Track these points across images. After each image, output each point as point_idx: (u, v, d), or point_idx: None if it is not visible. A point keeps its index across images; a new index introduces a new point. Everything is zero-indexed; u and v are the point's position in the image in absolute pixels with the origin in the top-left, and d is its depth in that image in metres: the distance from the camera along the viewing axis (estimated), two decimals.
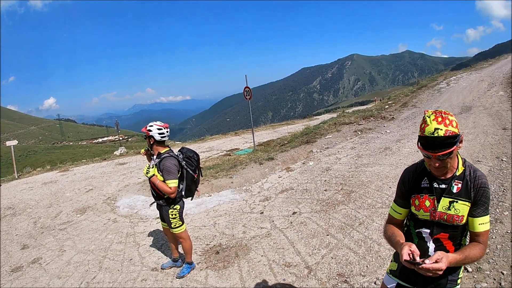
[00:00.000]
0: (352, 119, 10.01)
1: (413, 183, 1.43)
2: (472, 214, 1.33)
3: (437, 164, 1.25)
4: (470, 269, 2.95)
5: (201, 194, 5.25)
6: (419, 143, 1.27)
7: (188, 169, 2.90)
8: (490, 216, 3.47)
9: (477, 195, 1.31)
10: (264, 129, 15.40)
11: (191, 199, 3.12)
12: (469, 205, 1.32)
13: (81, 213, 5.48)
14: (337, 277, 2.92)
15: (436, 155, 1.21)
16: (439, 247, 1.37)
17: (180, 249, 3.30)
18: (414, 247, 1.24)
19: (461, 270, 1.47)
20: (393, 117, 9.62)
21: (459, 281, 1.46)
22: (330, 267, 3.09)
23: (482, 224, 1.32)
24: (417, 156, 6.44)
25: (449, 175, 1.35)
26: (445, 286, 1.44)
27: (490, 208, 3.66)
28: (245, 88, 8.63)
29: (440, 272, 1.17)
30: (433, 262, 1.18)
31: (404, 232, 1.50)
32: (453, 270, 1.42)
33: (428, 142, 1.22)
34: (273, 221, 4.18)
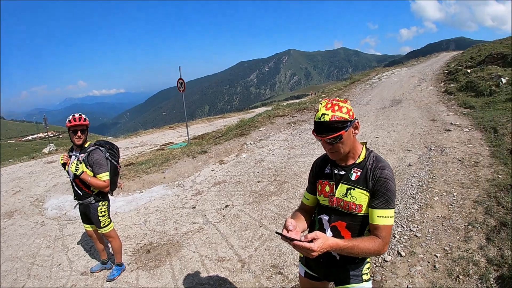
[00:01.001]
0: (286, 112, 13.04)
1: (319, 169, 1.94)
2: (371, 205, 1.71)
3: (328, 148, 1.72)
4: (403, 254, 3.93)
5: (133, 191, 6.57)
6: (313, 130, 1.73)
7: (113, 161, 3.61)
8: (419, 203, 4.61)
9: (376, 185, 1.69)
10: (199, 122, 18.59)
11: (112, 194, 3.84)
12: (368, 194, 1.71)
13: (8, 217, 6.33)
14: (271, 269, 3.74)
15: (323, 139, 1.68)
16: (337, 236, 1.76)
17: (109, 250, 4.09)
18: (293, 222, 1.57)
19: (366, 266, 1.88)
20: None
21: (365, 277, 1.88)
22: (263, 259, 3.96)
23: (381, 217, 1.67)
24: None
25: (350, 162, 1.80)
26: (348, 282, 1.86)
27: (417, 195, 5.06)
28: (179, 80, 10.75)
29: (313, 254, 1.46)
30: (308, 241, 1.47)
31: (312, 218, 1.99)
32: (354, 264, 1.84)
33: (316, 127, 1.69)
34: (205, 215, 5.25)
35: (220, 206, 5.52)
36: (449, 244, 3.95)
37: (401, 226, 4.53)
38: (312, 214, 2.01)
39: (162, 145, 12.25)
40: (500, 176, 5.26)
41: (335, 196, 1.79)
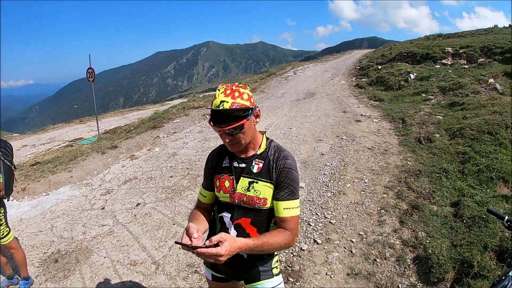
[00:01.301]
0: (201, 103, 13.34)
1: (215, 163, 1.89)
2: (276, 197, 1.72)
3: (227, 140, 1.64)
4: (319, 241, 4.04)
5: (38, 194, 6.40)
6: (209, 120, 1.65)
7: (6, 161, 3.40)
8: (333, 190, 4.78)
9: (280, 176, 1.71)
10: (112, 115, 18.18)
11: (8, 200, 3.60)
12: (272, 187, 1.72)
13: None
14: (187, 268, 3.83)
15: (223, 130, 1.59)
16: (241, 234, 1.73)
17: (15, 263, 3.84)
18: (194, 226, 1.52)
19: (275, 260, 1.91)
20: None
21: (275, 271, 1.90)
22: (178, 258, 4.01)
23: (287, 208, 1.70)
24: None
25: (250, 154, 1.78)
26: (259, 278, 1.86)
27: (330, 183, 5.23)
28: (88, 69, 10.73)
29: (221, 259, 1.42)
30: (214, 245, 1.42)
31: (211, 217, 1.95)
32: (262, 260, 1.85)
33: (215, 116, 1.60)
34: (115, 216, 5.21)
35: (131, 205, 5.50)
36: (363, 229, 4.14)
37: (316, 213, 4.63)
38: (211, 212, 1.97)
39: (71, 141, 12.01)
40: (409, 163, 5.77)
41: (237, 191, 1.75)
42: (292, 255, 3.85)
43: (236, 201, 1.76)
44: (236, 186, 1.75)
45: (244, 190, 1.73)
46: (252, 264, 1.84)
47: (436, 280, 3.16)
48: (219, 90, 1.63)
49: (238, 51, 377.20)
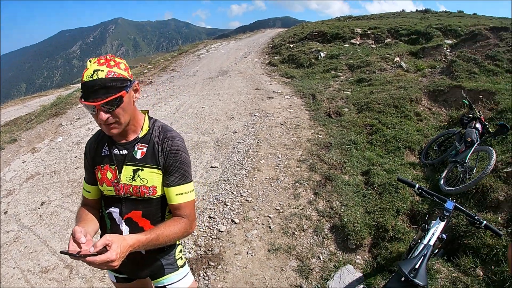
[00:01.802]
0: None
1: (94, 152, 1.66)
2: (166, 183, 1.57)
3: (104, 118, 1.40)
4: (237, 220, 3.92)
5: None
6: (81, 98, 1.41)
7: None
8: (247, 167, 4.68)
9: (167, 160, 1.55)
10: (12, 104, 16.34)
11: None
12: (160, 172, 1.57)
13: None
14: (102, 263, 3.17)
15: (99, 104, 1.36)
16: (134, 229, 1.59)
17: None
18: (81, 230, 1.32)
19: (177, 250, 1.81)
20: (151, 81, 12.57)
21: (180, 262, 1.81)
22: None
23: (180, 194, 1.57)
24: (173, 118, 7.46)
25: (131, 138, 1.59)
26: (163, 273, 1.76)
27: (244, 160, 5.10)
28: None
29: (114, 264, 1.24)
30: (101, 251, 1.23)
31: (100, 214, 1.75)
32: (163, 253, 1.73)
33: (88, 89, 1.37)
34: (19, 219, 4.79)
35: (36, 205, 5.04)
36: (280, 204, 4.10)
37: (232, 193, 4.50)
38: (100, 208, 1.77)
39: None
40: (320, 136, 5.91)
41: (121, 182, 1.57)
42: (210, 238, 3.69)
43: (122, 193, 1.58)
44: (120, 177, 1.57)
45: (129, 180, 1.56)
46: (153, 259, 1.72)
47: (354, 246, 3.25)
48: (90, 61, 1.42)
49: (149, 28, 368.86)
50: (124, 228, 1.61)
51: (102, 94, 1.35)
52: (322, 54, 12.39)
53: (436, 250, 2.29)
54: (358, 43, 13.63)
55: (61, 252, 1.22)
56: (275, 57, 14.42)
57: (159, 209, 1.63)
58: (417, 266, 1.90)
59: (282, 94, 8.95)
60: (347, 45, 13.39)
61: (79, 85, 19.29)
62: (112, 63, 1.41)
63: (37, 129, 8.44)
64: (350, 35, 14.18)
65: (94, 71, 1.36)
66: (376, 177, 4.16)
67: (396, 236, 3.17)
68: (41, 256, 3.90)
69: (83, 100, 1.38)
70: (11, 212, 4.95)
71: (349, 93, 8.12)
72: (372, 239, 3.30)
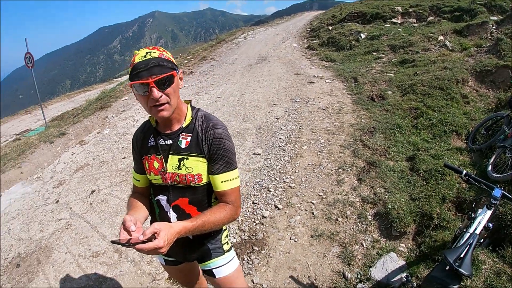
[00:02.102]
0: None
1: (141, 143, 1.74)
2: (211, 171, 1.61)
3: (157, 96, 1.43)
4: (280, 206, 3.97)
5: None
6: (132, 80, 1.45)
7: None
8: (289, 153, 4.72)
9: (211, 148, 1.58)
10: (59, 100, 17.16)
11: None
12: (205, 161, 1.60)
13: None
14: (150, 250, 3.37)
15: (153, 81, 1.41)
16: (182, 215, 1.65)
17: None
18: (131, 218, 1.38)
19: (224, 235, 1.86)
20: (192, 71, 12.76)
21: (226, 247, 1.86)
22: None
23: (225, 181, 1.60)
24: (215, 107, 7.59)
25: (175, 128, 1.63)
26: (210, 257, 1.82)
27: (286, 147, 5.14)
28: (26, 54, 9.96)
29: (162, 250, 1.31)
30: (150, 239, 1.30)
31: (150, 201, 1.82)
32: (210, 237, 1.79)
33: (142, 68, 1.42)
34: (71, 208, 5.01)
35: (86, 194, 5.30)
36: (323, 190, 4.11)
37: (275, 179, 4.54)
38: (149, 195, 1.84)
39: (18, 134, 11.21)
40: (363, 121, 5.79)
41: (168, 171, 1.62)
42: (254, 224, 3.76)
43: (169, 181, 1.63)
44: (166, 166, 1.61)
45: (175, 168, 1.60)
46: (200, 243, 1.77)
47: (398, 234, 3.20)
48: (137, 50, 1.49)
49: (186, 19, 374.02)
50: (172, 215, 1.66)
51: (156, 71, 1.41)
52: (363, 36, 12.00)
53: (482, 240, 2.23)
54: (399, 22, 13.03)
55: (112, 242, 1.29)
56: (314, 41, 14.14)
57: (206, 196, 1.68)
58: (462, 255, 1.86)
59: (322, 78, 8.82)
60: (388, 25, 12.84)
61: (121, 79, 20.08)
62: (160, 49, 1.50)
63: (84, 123, 8.85)
64: (391, 14, 13.55)
65: (147, 52, 1.44)
66: (422, 163, 4.03)
67: (441, 224, 3.07)
68: (92, 242, 4.10)
69: (136, 80, 1.43)
70: (62, 201, 5.23)
71: (392, 75, 7.85)
72: (417, 227, 3.22)
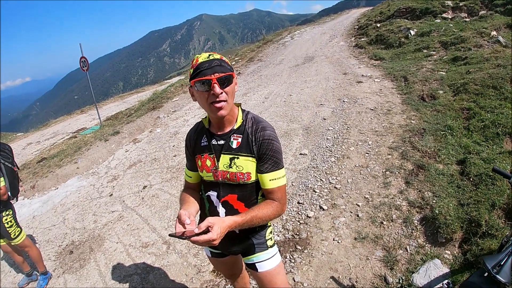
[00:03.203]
0: None
1: (194, 143, 1.85)
2: (260, 170, 1.70)
3: (219, 91, 1.53)
4: (325, 207, 3.99)
5: (48, 189, 6.55)
6: (194, 78, 1.56)
7: (7, 163, 3.51)
8: (336, 155, 4.72)
9: (260, 148, 1.67)
10: (112, 101, 18.17)
11: (16, 200, 3.80)
12: (254, 160, 1.70)
13: None
14: (196, 245, 3.77)
15: (216, 78, 1.52)
16: (230, 210, 1.76)
17: (31, 260, 3.99)
18: (185, 213, 1.55)
19: (268, 231, 1.94)
20: (239, 72, 13.00)
21: (269, 242, 1.93)
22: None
23: (273, 180, 1.70)
24: (262, 107, 7.70)
25: (227, 129, 1.73)
26: (254, 251, 1.90)
27: (333, 147, 5.19)
28: (81, 58, 10.60)
29: (215, 242, 1.42)
30: (203, 232, 1.42)
31: (201, 195, 1.94)
32: (255, 233, 1.87)
33: (205, 67, 1.54)
34: (123, 201, 5.35)
35: (138, 189, 5.62)
36: (369, 192, 4.07)
37: (320, 180, 4.56)
38: (200, 190, 1.96)
39: (74, 132, 12.14)
40: (413, 122, 5.61)
41: (219, 169, 1.73)
42: (299, 223, 3.82)
43: (220, 179, 1.74)
44: (218, 164, 1.72)
45: (226, 167, 1.71)
46: (245, 237, 1.86)
47: (444, 240, 3.10)
48: (198, 55, 1.62)
49: (232, 21, 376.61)
50: (221, 209, 1.77)
51: (218, 70, 1.53)
52: (412, 32, 11.51)
53: None
54: (450, 17, 12.31)
55: (170, 235, 1.43)
56: (362, 39, 13.80)
57: (253, 193, 1.77)
58: (502, 263, 1.82)
59: (371, 77, 8.64)
60: (439, 20, 12.18)
61: (172, 80, 20.81)
62: (219, 54, 1.62)
63: (137, 122, 9.31)
64: (441, 9, 12.82)
65: (209, 55, 1.58)
66: (473, 167, 3.85)
67: (489, 232, 2.92)
68: (142, 233, 4.34)
69: (200, 77, 1.54)
70: (116, 195, 5.59)
71: (443, 73, 7.49)
72: (464, 233, 3.09)
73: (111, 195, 5.63)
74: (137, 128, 8.93)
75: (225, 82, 1.55)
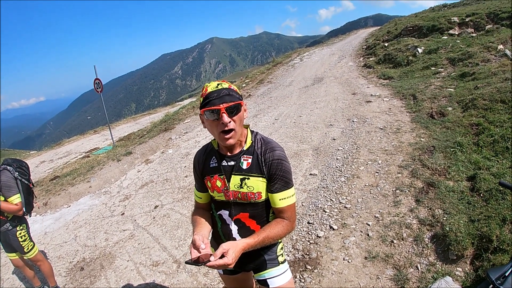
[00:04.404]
0: None
1: (203, 165, 1.90)
2: (270, 190, 1.76)
3: (227, 120, 1.59)
4: (335, 227, 4.02)
5: (60, 206, 6.68)
6: (203, 108, 1.63)
7: (23, 180, 3.64)
8: (346, 174, 4.76)
9: (271, 169, 1.73)
10: (125, 122, 18.85)
11: (30, 216, 3.91)
12: (264, 180, 1.75)
13: None
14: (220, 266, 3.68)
15: (225, 107, 1.58)
16: (242, 228, 1.82)
17: (42, 275, 4.12)
18: (199, 238, 1.63)
19: (279, 247, 1.98)
20: (250, 94, 13.27)
21: (280, 258, 1.97)
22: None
23: (283, 199, 1.75)
24: (272, 128, 7.82)
25: (237, 151, 1.78)
26: (265, 267, 1.94)
27: (343, 167, 5.27)
28: (95, 80, 10.94)
29: (231, 266, 1.53)
30: (220, 257, 1.51)
31: (211, 217, 1.98)
32: (266, 249, 1.92)
33: (214, 96, 1.60)
34: (135, 220, 5.44)
35: (149, 208, 5.71)
36: (379, 211, 4.09)
37: (330, 200, 4.60)
38: (210, 209, 2.01)
39: (87, 152, 12.59)
40: (422, 139, 5.64)
41: (230, 189, 1.77)
42: (309, 243, 3.84)
43: (232, 198, 1.79)
44: (229, 185, 1.76)
45: (237, 187, 1.75)
46: (257, 254, 1.90)
47: (455, 257, 3.09)
48: (207, 84, 1.68)
49: (242, 44, 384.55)
50: (233, 227, 1.82)
51: (227, 99, 1.59)
52: (420, 50, 11.66)
53: None
54: (457, 33, 12.42)
55: (186, 263, 1.50)
56: (370, 58, 13.98)
57: (264, 211, 1.83)
58: (507, 274, 1.84)
59: (380, 97, 8.72)
60: (446, 37, 12.31)
61: (183, 102, 21.17)
62: (228, 83, 1.69)
63: (149, 143, 9.48)
64: (447, 26, 12.97)
65: (218, 84, 1.64)
66: (483, 183, 3.84)
67: (501, 247, 2.89)
68: (153, 252, 4.40)
69: (209, 106, 1.60)
70: (127, 214, 5.68)
71: (452, 90, 7.53)
72: (475, 250, 3.07)
73: (123, 214, 5.74)
74: (149, 149, 9.11)
75: (234, 110, 1.61)
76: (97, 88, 11.02)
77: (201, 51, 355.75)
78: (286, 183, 1.75)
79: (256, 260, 1.92)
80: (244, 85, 15.87)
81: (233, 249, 1.53)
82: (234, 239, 1.77)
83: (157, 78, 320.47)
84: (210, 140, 1.92)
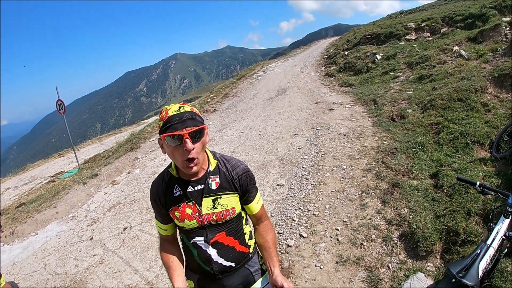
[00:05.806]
0: None
1: (164, 197, 1.76)
2: (247, 200, 1.82)
3: (191, 147, 1.51)
4: (305, 235, 4.02)
5: (27, 235, 6.47)
6: (164, 133, 1.52)
7: None
8: (313, 182, 4.83)
9: (242, 183, 1.76)
10: (90, 143, 18.40)
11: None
12: (237, 195, 1.76)
13: None
14: None
15: (188, 132, 1.49)
16: (221, 249, 1.76)
17: None
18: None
19: (259, 256, 1.97)
20: (215, 109, 13.29)
21: (264, 266, 1.95)
22: None
23: (258, 202, 1.85)
24: (239, 142, 7.79)
25: (201, 174, 1.71)
26: (254, 279, 1.91)
27: (309, 175, 5.36)
28: (58, 101, 10.64)
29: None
30: None
31: (182, 246, 1.89)
32: (249, 260, 1.90)
33: (176, 120, 1.50)
34: (104, 244, 5.35)
35: (118, 231, 5.65)
36: (347, 215, 4.13)
37: (299, 208, 4.61)
38: (176, 239, 1.94)
39: (52, 176, 12.16)
40: (384, 142, 5.81)
41: (203, 213, 1.70)
42: (280, 253, 3.82)
43: (206, 222, 1.71)
44: (201, 209, 1.69)
45: (210, 209, 1.69)
46: (243, 270, 1.87)
47: (425, 253, 3.16)
48: (168, 106, 1.58)
49: (207, 58, 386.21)
50: (212, 251, 1.73)
51: (190, 124, 1.49)
52: (379, 57, 12.11)
53: (506, 250, 2.20)
54: (413, 38, 13.00)
55: None
56: (332, 67, 14.36)
57: (239, 224, 1.82)
58: (467, 267, 1.87)
59: (342, 104, 8.94)
60: (403, 43, 12.85)
61: (149, 120, 20.98)
62: (190, 105, 1.60)
63: (115, 164, 9.27)
64: (404, 32, 13.56)
65: (179, 107, 1.54)
66: (445, 179, 3.98)
67: (469, 239, 3.00)
68: (125, 275, 4.34)
69: (169, 132, 1.49)
70: (96, 238, 5.57)
71: (411, 92, 7.85)
72: (443, 244, 3.16)
73: (92, 238, 5.62)
74: (115, 169, 8.95)
75: (197, 135, 1.53)
76: (60, 110, 10.69)
77: (166, 68, 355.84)
78: (256, 188, 1.85)
79: (243, 277, 1.87)
80: (209, 99, 15.89)
81: (280, 277, 1.63)
82: (216, 262, 1.73)
83: (121, 96, 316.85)
84: (166, 168, 1.82)
